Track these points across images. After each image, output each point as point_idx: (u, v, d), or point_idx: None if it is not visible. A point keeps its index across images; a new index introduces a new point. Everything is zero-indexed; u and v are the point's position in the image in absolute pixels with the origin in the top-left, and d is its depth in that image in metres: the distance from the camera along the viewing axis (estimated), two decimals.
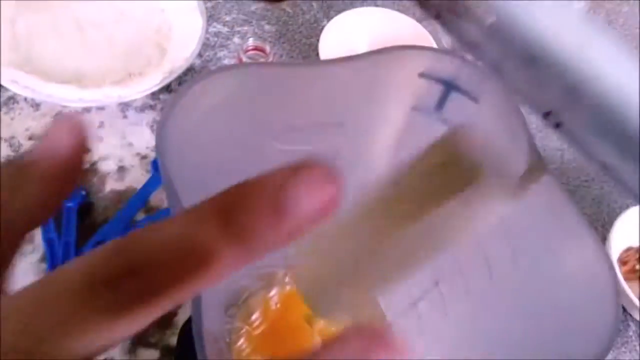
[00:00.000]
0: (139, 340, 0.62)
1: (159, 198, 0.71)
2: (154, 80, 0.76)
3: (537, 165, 0.31)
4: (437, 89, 0.36)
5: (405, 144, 0.40)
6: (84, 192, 0.69)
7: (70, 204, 0.67)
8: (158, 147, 0.28)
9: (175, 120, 0.31)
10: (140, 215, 0.69)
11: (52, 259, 0.64)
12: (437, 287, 0.42)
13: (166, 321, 0.63)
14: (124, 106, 0.78)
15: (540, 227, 0.32)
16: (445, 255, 0.40)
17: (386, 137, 0.40)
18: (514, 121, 0.32)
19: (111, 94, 0.74)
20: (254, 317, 0.48)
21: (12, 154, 0.71)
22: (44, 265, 0.65)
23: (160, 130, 0.29)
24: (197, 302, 0.27)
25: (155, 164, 0.72)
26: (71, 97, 0.73)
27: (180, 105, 0.32)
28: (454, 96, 0.36)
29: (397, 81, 0.36)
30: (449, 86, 0.35)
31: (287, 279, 0.51)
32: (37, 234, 0.66)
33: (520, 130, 0.32)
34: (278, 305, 0.50)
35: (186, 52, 0.79)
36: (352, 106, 0.38)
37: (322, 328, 0.48)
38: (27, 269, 0.64)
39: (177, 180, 0.29)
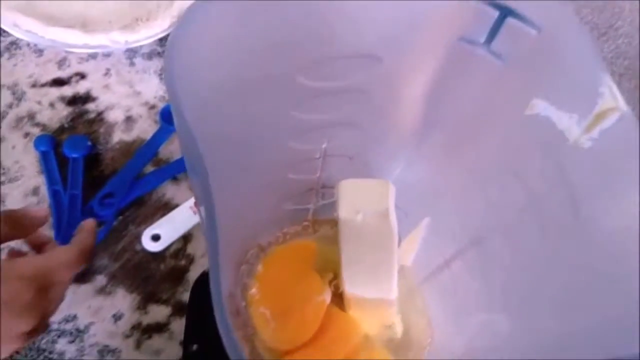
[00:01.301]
0: (150, 297, 0.60)
1: (168, 150, 0.68)
2: (162, 25, 0.72)
3: (611, 103, 0.27)
4: (489, 14, 0.32)
5: (449, 79, 0.36)
6: (89, 143, 0.65)
7: (75, 155, 0.64)
8: (168, 79, 0.25)
9: (187, 45, 0.27)
10: (149, 168, 0.66)
11: (57, 211, 0.61)
12: (478, 246, 0.39)
13: (178, 277, 0.61)
14: (131, 53, 0.73)
15: (608, 172, 0.28)
16: (488, 211, 0.37)
17: (424, 70, 0.36)
18: (585, 54, 0.28)
19: (118, 39, 0.70)
20: (264, 261, 0.45)
21: (15, 101, 0.68)
22: (50, 218, 0.62)
23: (169, 57, 0.25)
24: (214, 262, 0.24)
25: (163, 114, 0.68)
26: (75, 42, 0.69)
27: (192, 27, 0.28)
28: (511, 23, 0.32)
29: (442, 5, 0.32)
30: (505, 11, 0.31)
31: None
32: (42, 186, 0.63)
33: (593, 62, 0.28)
34: (289, 253, 0.47)
35: None
36: (390, 36, 0.33)
37: (332, 279, 0.46)
38: None
39: (190, 119, 0.25)
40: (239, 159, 0.35)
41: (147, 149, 0.67)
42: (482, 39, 0.33)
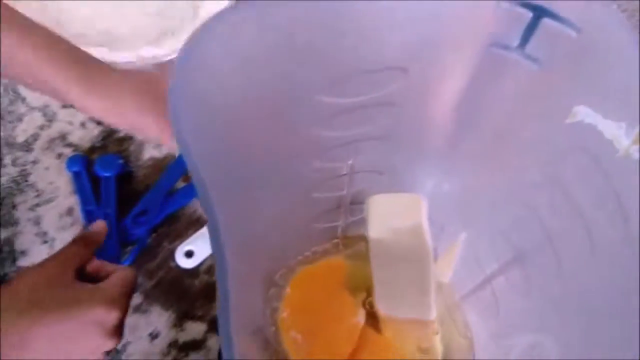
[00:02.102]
0: (186, 314, 0.59)
1: None
2: None
3: None
4: (522, 17, 0.29)
5: (481, 86, 0.34)
6: (121, 161, 0.65)
7: (107, 174, 0.63)
8: (173, 111, 0.23)
9: (193, 75, 0.25)
10: (181, 184, 0.66)
11: None
12: (522, 261, 0.36)
13: (212, 293, 0.60)
14: (158, 68, 0.73)
15: None
16: (532, 225, 0.35)
17: (454, 80, 0.34)
18: (631, 56, 0.25)
19: (145, 55, 0.70)
20: (293, 282, 0.44)
21: (47, 123, 0.68)
22: None
23: (173, 89, 0.23)
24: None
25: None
26: (103, 60, 0.69)
27: (198, 54, 0.26)
28: (547, 24, 0.29)
29: (471, 11, 0.30)
30: (540, 11, 0.29)
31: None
32: (76, 206, 0.63)
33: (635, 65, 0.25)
34: (319, 272, 0.45)
35: (220, 6, 0.73)
36: (415, 46, 0.31)
37: (366, 298, 0.44)
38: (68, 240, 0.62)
39: (196, 154, 0.24)
40: (259, 183, 0.34)
41: (178, 165, 0.66)
42: (516, 43, 0.31)
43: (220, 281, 0.21)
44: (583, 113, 0.29)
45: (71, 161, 0.65)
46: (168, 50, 0.71)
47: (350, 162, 0.38)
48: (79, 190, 0.63)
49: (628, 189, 0.27)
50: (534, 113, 0.33)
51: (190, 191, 0.65)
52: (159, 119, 0.51)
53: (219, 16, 0.27)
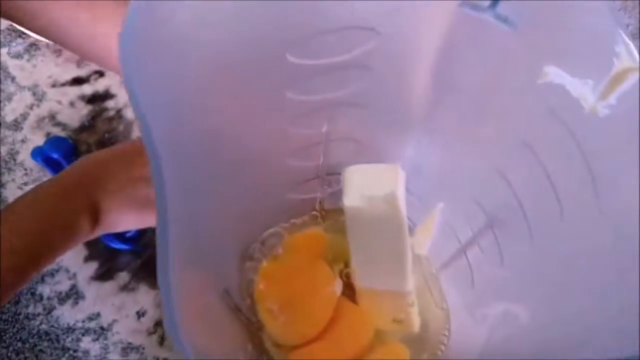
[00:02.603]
0: None
1: None
2: None
3: (629, 63, 0.24)
4: None
5: (455, 50, 0.33)
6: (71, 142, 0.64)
7: (56, 156, 0.63)
8: (124, 66, 0.22)
9: (147, 29, 0.24)
10: None
11: None
12: (491, 230, 0.36)
13: None
14: None
15: (629, 136, 0.25)
16: (504, 190, 0.34)
17: (427, 42, 0.33)
18: (598, 10, 0.25)
19: None
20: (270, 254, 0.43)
21: (36, 102, 0.68)
22: None
23: (124, 41, 0.22)
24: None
25: None
26: None
27: (151, 23, 0.25)
28: None
29: None
30: None
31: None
32: None
33: (606, 19, 0.24)
34: (297, 244, 0.45)
35: None
36: (384, 5, 0.31)
37: (343, 269, 0.43)
38: None
39: (150, 115, 0.23)
40: (230, 147, 0.34)
41: None
42: (487, 3, 0.30)
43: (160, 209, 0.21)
44: (552, 73, 0.29)
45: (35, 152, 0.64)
46: None
47: (324, 129, 0.38)
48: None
49: (595, 149, 0.27)
50: (508, 76, 0.32)
51: None
52: None
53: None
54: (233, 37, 0.29)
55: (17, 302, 0.58)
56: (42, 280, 0.59)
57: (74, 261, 0.60)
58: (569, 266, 0.29)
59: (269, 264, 0.41)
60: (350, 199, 0.35)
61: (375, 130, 0.39)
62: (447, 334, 0.41)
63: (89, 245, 0.61)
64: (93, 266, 0.60)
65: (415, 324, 0.40)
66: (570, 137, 0.28)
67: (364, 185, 0.35)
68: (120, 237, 0.60)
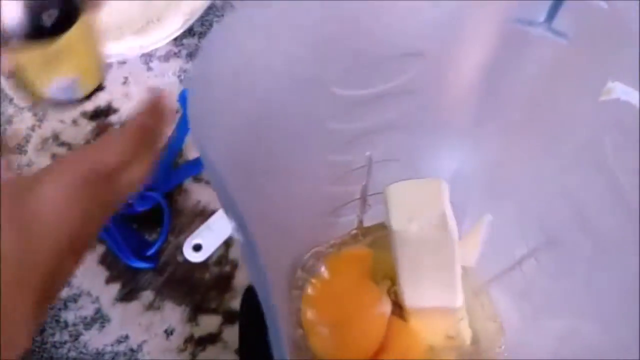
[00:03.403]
0: (199, 307, 0.59)
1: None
2: (175, 25, 0.69)
3: None
4: None
5: (503, 65, 0.33)
6: None
7: None
8: (193, 122, 0.22)
9: (207, 69, 0.24)
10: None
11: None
12: (554, 244, 0.36)
13: (224, 285, 0.59)
14: (147, 57, 0.71)
15: None
16: (565, 207, 0.34)
17: (472, 60, 0.32)
18: None
19: (132, 45, 0.68)
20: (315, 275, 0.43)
21: (37, 123, 0.66)
22: None
23: (188, 86, 0.22)
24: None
25: (183, 99, 0.65)
26: None
27: (212, 47, 0.24)
28: None
29: None
30: None
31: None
32: None
33: None
34: (341, 265, 0.44)
35: None
36: (433, 29, 0.30)
37: (391, 287, 0.43)
38: None
39: (209, 148, 0.22)
40: (271, 178, 0.33)
41: (175, 142, 0.65)
42: (542, 18, 0.30)
43: (263, 299, 0.20)
44: (619, 90, 0.28)
45: None
46: (154, 39, 0.68)
47: (368, 153, 0.37)
48: None
49: None
50: (564, 91, 0.32)
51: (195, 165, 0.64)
52: None
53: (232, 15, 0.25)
54: (283, 71, 0.28)
55: (42, 331, 0.57)
56: (65, 306, 0.58)
57: (95, 284, 0.59)
58: (637, 281, 0.29)
59: (314, 288, 0.40)
60: (398, 221, 0.35)
61: (417, 148, 0.38)
62: (501, 346, 0.41)
63: (110, 266, 0.60)
64: (116, 287, 0.59)
65: (467, 338, 0.40)
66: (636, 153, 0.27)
67: (410, 205, 0.35)
68: (140, 255, 0.59)
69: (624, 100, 0.28)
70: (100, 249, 0.61)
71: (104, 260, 0.60)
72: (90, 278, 0.59)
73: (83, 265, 0.59)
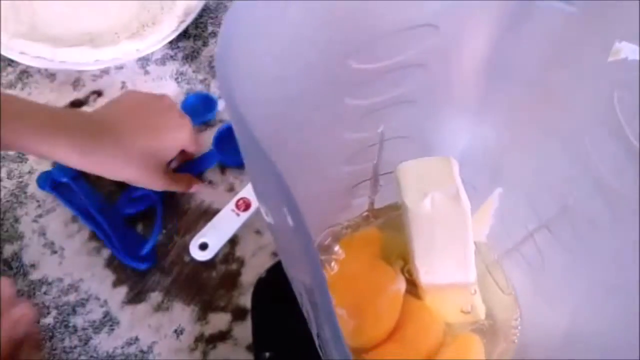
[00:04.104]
0: (208, 306, 0.59)
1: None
2: (169, 27, 0.70)
3: None
4: None
5: (511, 36, 0.33)
6: None
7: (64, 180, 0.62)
8: (227, 96, 0.22)
9: (236, 54, 0.24)
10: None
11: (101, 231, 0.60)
12: (567, 215, 0.36)
13: (231, 282, 0.60)
14: (144, 61, 0.71)
15: None
16: (579, 174, 0.34)
17: (482, 32, 0.33)
18: None
19: (128, 50, 0.68)
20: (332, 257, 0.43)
21: None
22: (94, 244, 0.61)
23: (222, 74, 0.22)
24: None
25: (217, 140, 0.66)
26: (87, 60, 0.67)
27: (237, 36, 0.25)
28: None
29: None
30: None
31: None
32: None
33: None
34: (353, 246, 0.44)
35: None
36: (444, 1, 0.30)
37: (403, 266, 0.43)
38: (77, 250, 0.61)
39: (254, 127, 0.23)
40: (293, 161, 0.33)
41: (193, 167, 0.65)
42: None
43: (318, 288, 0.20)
44: (627, 50, 0.28)
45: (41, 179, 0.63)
46: (150, 42, 0.69)
47: (380, 130, 0.37)
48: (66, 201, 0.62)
49: None
50: (573, 56, 0.32)
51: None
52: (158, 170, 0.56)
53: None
54: (299, 43, 0.28)
55: (51, 337, 0.57)
56: (74, 311, 0.58)
57: (102, 288, 0.59)
58: None
59: (329, 272, 0.41)
60: (411, 198, 0.35)
61: (427, 124, 0.39)
62: (517, 319, 0.41)
63: (116, 269, 0.60)
64: (123, 290, 0.59)
65: (481, 312, 0.41)
66: None
67: (422, 182, 0.35)
68: (136, 255, 0.59)
69: (631, 59, 0.28)
70: (105, 253, 0.61)
71: (110, 264, 0.60)
72: (97, 282, 0.59)
73: (90, 269, 0.59)
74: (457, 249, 0.37)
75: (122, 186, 0.61)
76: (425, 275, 0.39)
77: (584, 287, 0.35)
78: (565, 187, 0.36)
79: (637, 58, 0.28)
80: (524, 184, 0.39)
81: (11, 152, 0.65)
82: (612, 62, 0.29)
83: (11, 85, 0.68)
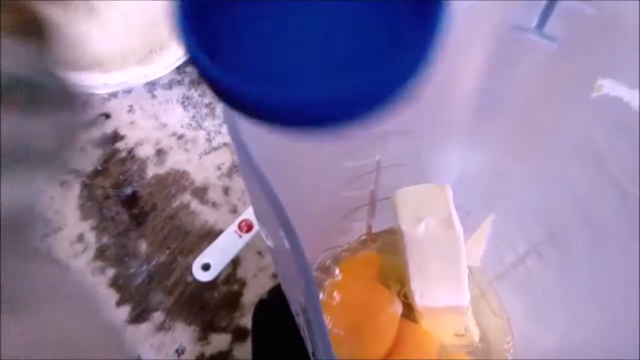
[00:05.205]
0: (209, 326, 0.60)
1: None
2: (177, 53, 0.72)
3: None
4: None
5: (500, 69, 0.35)
6: None
7: None
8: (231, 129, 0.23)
9: None
10: None
11: None
12: (556, 238, 0.37)
13: (233, 303, 0.61)
14: (151, 85, 0.73)
15: None
16: (565, 202, 0.36)
17: (470, 65, 0.35)
18: None
19: (136, 74, 0.70)
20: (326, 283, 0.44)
21: None
22: (99, 264, 0.62)
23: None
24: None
25: None
26: (96, 84, 0.69)
27: None
28: (563, 4, 0.30)
29: None
30: None
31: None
32: (87, 232, 0.63)
33: None
34: (352, 269, 0.46)
35: None
36: None
37: (400, 289, 0.45)
38: (82, 269, 0.62)
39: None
40: (292, 186, 0.34)
41: None
42: (533, 24, 0.32)
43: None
44: (608, 86, 0.30)
45: None
46: (158, 67, 0.71)
47: (377, 157, 0.39)
48: None
49: None
50: (557, 91, 0.34)
51: None
52: None
53: None
54: None
55: None
56: None
57: (106, 307, 0.60)
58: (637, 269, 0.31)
59: (328, 293, 0.42)
60: (406, 223, 0.37)
61: (422, 152, 0.40)
62: (510, 341, 0.42)
63: (120, 289, 0.61)
64: (126, 310, 0.60)
65: (475, 335, 0.42)
66: (632, 145, 0.29)
67: (417, 208, 0.37)
68: None
69: (613, 95, 0.30)
70: (110, 272, 0.62)
71: (114, 283, 0.61)
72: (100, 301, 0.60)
73: (93, 288, 0.61)
74: (450, 273, 0.39)
75: None
76: (420, 299, 0.41)
77: (574, 309, 0.37)
78: (553, 213, 0.38)
79: (619, 95, 0.29)
80: (515, 210, 0.41)
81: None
82: (596, 98, 0.31)
83: None
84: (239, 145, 0.22)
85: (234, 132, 0.23)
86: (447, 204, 0.36)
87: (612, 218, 0.33)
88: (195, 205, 0.66)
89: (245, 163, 0.23)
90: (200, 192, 0.67)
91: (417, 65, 0.20)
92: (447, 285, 0.39)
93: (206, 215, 0.65)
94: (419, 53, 0.20)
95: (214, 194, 0.67)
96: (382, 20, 0.21)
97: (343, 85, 0.19)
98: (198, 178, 0.68)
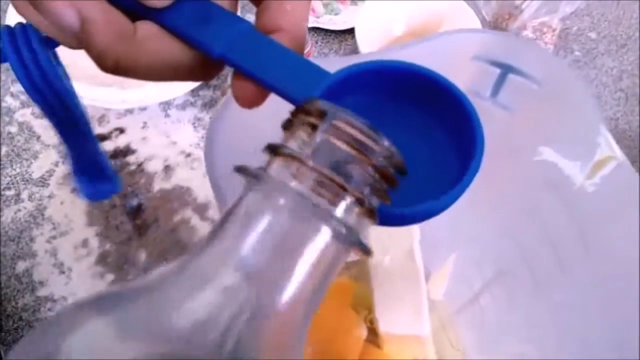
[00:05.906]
0: None
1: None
2: None
3: (608, 153, 0.29)
4: (492, 72, 0.34)
5: None
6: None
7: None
8: (206, 154, 0.27)
9: (225, 124, 0.30)
10: None
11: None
12: (502, 278, 0.41)
13: None
14: (165, 105, 0.78)
15: (612, 208, 0.30)
16: (510, 246, 0.40)
17: None
18: (583, 106, 0.30)
19: (152, 94, 0.75)
20: None
21: (61, 159, 0.73)
22: (99, 269, 0.66)
23: (209, 136, 0.28)
24: None
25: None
26: (114, 100, 0.73)
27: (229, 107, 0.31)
28: (513, 79, 0.34)
29: (448, 67, 0.35)
30: (506, 68, 0.34)
31: None
32: (91, 238, 0.67)
33: (590, 114, 0.30)
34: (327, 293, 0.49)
35: None
36: None
37: (367, 315, 0.48)
38: (83, 272, 0.66)
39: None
40: None
41: None
42: (488, 93, 0.36)
43: None
44: (546, 153, 0.34)
45: None
46: (173, 89, 0.75)
47: None
48: None
49: (586, 216, 0.32)
50: (509, 152, 0.38)
51: None
52: None
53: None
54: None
55: None
56: None
57: None
58: (568, 312, 0.34)
59: None
60: (374, 254, 0.40)
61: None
62: None
63: None
64: None
65: None
66: (565, 204, 0.33)
67: (384, 241, 0.40)
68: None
69: (550, 161, 0.34)
70: (109, 278, 0.66)
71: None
72: None
73: (93, 291, 0.65)
74: (411, 303, 0.42)
75: None
76: (384, 325, 0.44)
77: (515, 344, 0.40)
78: (502, 258, 0.41)
79: (555, 161, 0.33)
80: (474, 249, 0.44)
81: (35, 176, 0.71)
82: (539, 161, 0.35)
83: (43, 116, 0.75)
84: (218, 191, 0.26)
85: (213, 180, 0.27)
86: (410, 238, 0.40)
87: (546, 266, 0.36)
88: (195, 221, 0.70)
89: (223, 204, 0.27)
90: (202, 209, 0.71)
91: (464, 189, 0.24)
92: (408, 314, 0.43)
93: (205, 231, 0.69)
94: (468, 183, 0.24)
95: (214, 212, 0.71)
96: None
97: (431, 209, 0.22)
98: (200, 195, 0.72)
